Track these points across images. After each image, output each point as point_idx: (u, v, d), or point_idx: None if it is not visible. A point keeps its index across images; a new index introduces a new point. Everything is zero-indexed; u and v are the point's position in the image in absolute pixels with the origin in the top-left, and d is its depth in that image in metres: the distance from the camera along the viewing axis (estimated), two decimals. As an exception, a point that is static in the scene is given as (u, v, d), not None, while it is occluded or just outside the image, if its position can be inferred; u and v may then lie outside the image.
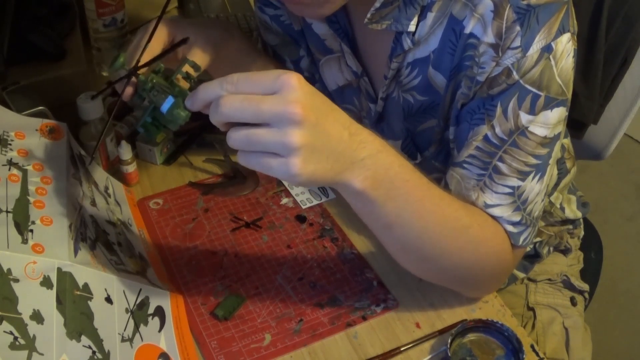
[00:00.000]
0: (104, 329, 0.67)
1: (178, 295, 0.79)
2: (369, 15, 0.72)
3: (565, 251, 1.08)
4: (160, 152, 1.00)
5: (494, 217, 0.74)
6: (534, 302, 1.03)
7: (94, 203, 0.81)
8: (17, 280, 0.63)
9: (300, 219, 0.91)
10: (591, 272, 1.13)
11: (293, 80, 0.55)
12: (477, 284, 0.79)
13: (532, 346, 0.76)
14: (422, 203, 0.66)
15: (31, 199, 0.72)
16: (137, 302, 0.73)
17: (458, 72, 0.73)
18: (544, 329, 1.00)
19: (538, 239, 1.04)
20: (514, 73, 0.68)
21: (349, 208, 0.67)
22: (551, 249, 1.06)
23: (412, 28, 0.73)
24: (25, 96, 0.93)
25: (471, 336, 0.75)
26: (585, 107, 1.07)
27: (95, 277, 0.69)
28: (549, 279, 1.05)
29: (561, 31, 0.68)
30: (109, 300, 0.70)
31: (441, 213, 0.69)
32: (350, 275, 0.84)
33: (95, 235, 0.76)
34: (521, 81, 0.69)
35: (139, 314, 0.72)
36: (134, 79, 0.69)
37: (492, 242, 0.74)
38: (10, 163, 0.75)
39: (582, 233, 1.12)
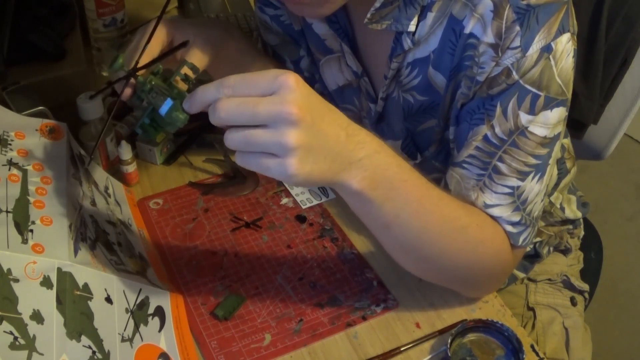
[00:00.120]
0: (104, 329, 0.67)
1: (178, 295, 0.79)
2: (369, 15, 0.73)
3: (565, 251, 1.08)
4: (160, 152, 1.00)
5: (493, 217, 0.74)
6: (534, 302, 1.03)
7: (94, 203, 0.81)
8: (17, 280, 0.63)
9: (300, 219, 0.91)
10: (591, 272, 1.13)
11: (290, 81, 0.55)
12: (477, 284, 0.79)
13: (532, 346, 0.76)
14: (420, 203, 0.67)
15: (31, 199, 0.72)
16: (137, 302, 0.73)
17: (458, 72, 0.73)
18: (544, 329, 1.00)
19: (538, 239, 1.04)
20: (514, 73, 0.68)
21: (349, 208, 0.67)
22: (551, 249, 1.06)
23: (412, 28, 0.73)
24: (25, 96, 0.93)
25: (471, 336, 0.75)
26: (585, 107, 1.07)
27: (95, 277, 0.69)
28: (549, 279, 1.05)
29: (561, 31, 0.68)
30: (109, 300, 0.70)
31: (440, 213, 0.69)
32: (350, 275, 0.84)
33: (95, 235, 0.76)
34: (521, 81, 0.69)
35: (139, 314, 0.72)
36: (132, 80, 0.69)
37: (491, 242, 0.74)
38: (10, 163, 0.75)
39: (582, 233, 1.12)
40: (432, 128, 0.81)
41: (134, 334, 0.70)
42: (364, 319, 0.78)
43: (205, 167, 1.00)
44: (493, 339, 0.75)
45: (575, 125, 1.10)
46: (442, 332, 0.77)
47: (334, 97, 0.92)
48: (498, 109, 0.70)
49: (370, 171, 0.61)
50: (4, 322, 0.60)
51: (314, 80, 0.94)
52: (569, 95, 0.72)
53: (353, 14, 0.81)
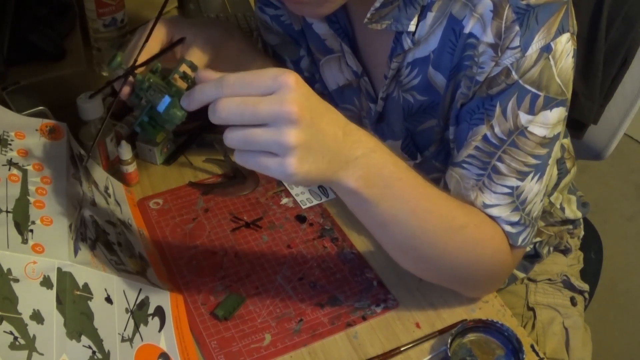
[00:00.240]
0: (104, 329, 0.67)
1: (178, 295, 0.79)
2: (368, 15, 0.73)
3: (565, 251, 1.08)
4: (160, 152, 1.00)
5: (492, 217, 0.74)
6: (534, 302, 1.03)
7: (94, 203, 0.81)
8: (17, 280, 0.63)
9: (300, 219, 0.91)
10: (591, 272, 1.13)
11: (291, 80, 0.55)
12: (476, 284, 0.79)
13: (532, 346, 0.76)
14: (416, 202, 0.67)
15: (31, 199, 0.72)
16: (137, 302, 0.73)
17: (458, 71, 0.73)
18: (544, 329, 1.00)
19: (538, 239, 1.04)
20: (513, 73, 0.68)
21: (348, 208, 0.67)
22: (551, 249, 1.06)
23: (412, 28, 0.74)
24: (25, 96, 0.93)
25: (471, 336, 0.75)
26: (585, 107, 1.07)
27: (95, 277, 0.69)
28: (549, 279, 1.05)
29: (560, 31, 0.68)
30: (109, 300, 0.70)
31: (437, 212, 0.69)
32: (350, 275, 0.84)
33: (95, 235, 0.76)
34: (520, 81, 0.69)
35: (139, 314, 0.72)
36: (131, 78, 0.69)
37: (489, 242, 0.74)
38: (10, 163, 0.75)
39: (582, 233, 1.12)
40: (432, 128, 0.81)
41: (134, 334, 0.70)
42: (364, 319, 0.78)
43: (205, 167, 1.00)
44: (493, 339, 0.75)
45: (575, 125, 1.10)
46: (442, 332, 0.77)
47: (334, 97, 0.92)
48: (497, 109, 0.70)
49: (366, 170, 0.61)
50: (4, 322, 0.60)
51: (314, 80, 0.94)
52: (569, 95, 0.72)
53: (353, 14, 0.81)
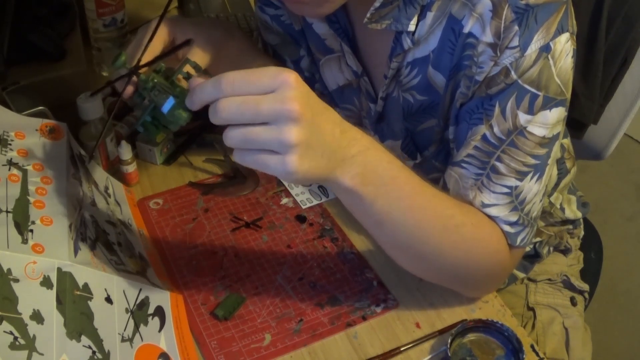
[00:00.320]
0: (104, 329, 0.67)
1: (178, 295, 0.79)
2: (368, 15, 0.73)
3: (565, 251, 1.08)
4: (160, 152, 1.00)
5: (490, 217, 0.74)
6: (534, 302, 1.03)
7: (94, 203, 0.81)
8: (17, 280, 0.63)
9: (300, 219, 0.91)
10: (591, 272, 1.13)
11: (291, 79, 0.55)
12: (475, 283, 0.79)
13: (532, 346, 0.76)
14: (412, 200, 0.67)
15: (31, 199, 0.72)
16: (137, 302, 0.73)
17: (457, 71, 0.73)
18: (544, 329, 1.00)
19: (538, 239, 1.04)
20: (512, 73, 0.68)
21: (348, 207, 0.67)
22: (551, 249, 1.06)
23: (412, 28, 0.74)
24: (25, 96, 0.93)
25: (471, 336, 0.75)
26: (585, 107, 1.07)
27: (95, 277, 0.69)
28: (549, 279, 1.05)
29: (560, 31, 0.68)
30: (109, 300, 0.70)
31: (433, 210, 0.69)
32: (350, 275, 0.84)
33: (95, 235, 0.76)
34: (519, 81, 0.69)
35: (139, 314, 0.72)
36: (134, 78, 0.69)
37: (487, 242, 0.74)
38: (10, 163, 0.75)
39: (582, 233, 1.12)
40: (432, 128, 0.81)
41: (134, 334, 0.70)
42: (364, 319, 0.78)
43: (205, 167, 1.00)
44: (493, 339, 0.75)
45: (575, 125, 1.10)
46: (442, 332, 0.77)
47: (334, 97, 0.92)
48: (497, 109, 0.70)
49: (361, 168, 0.62)
50: (4, 322, 0.60)
51: (314, 80, 0.94)
52: (568, 95, 0.72)
53: (353, 14, 0.81)
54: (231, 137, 0.57)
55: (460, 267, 0.74)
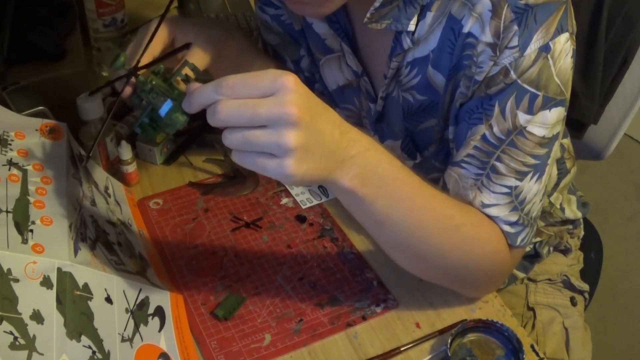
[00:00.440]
0: (104, 329, 0.67)
1: (178, 295, 0.79)
2: (368, 15, 0.73)
3: (565, 251, 1.08)
4: (160, 152, 1.00)
5: (490, 217, 0.74)
6: (534, 302, 1.03)
7: (94, 203, 0.81)
8: (17, 280, 0.63)
9: (300, 219, 0.91)
10: (591, 272, 1.13)
11: (289, 82, 0.55)
12: (475, 283, 0.79)
13: (532, 346, 0.76)
14: (412, 200, 0.67)
15: (31, 199, 0.72)
16: (137, 302, 0.73)
17: (457, 71, 0.73)
18: (544, 329, 1.00)
19: (538, 239, 1.04)
20: (512, 72, 0.68)
21: (348, 207, 0.67)
22: (551, 249, 1.06)
23: (411, 27, 0.74)
24: (25, 96, 0.93)
25: (471, 336, 0.75)
26: (585, 107, 1.07)
27: (95, 277, 0.69)
28: (549, 279, 1.05)
29: (559, 31, 0.68)
30: (109, 300, 0.70)
31: (433, 211, 0.69)
32: (350, 275, 0.84)
33: (95, 235, 0.76)
34: (519, 81, 0.69)
35: (139, 314, 0.72)
36: (133, 79, 0.69)
37: (487, 242, 0.74)
38: (10, 163, 0.75)
39: (582, 233, 1.12)
40: (432, 128, 0.81)
41: (134, 334, 0.70)
42: (364, 319, 0.78)
43: (205, 167, 1.00)
44: (493, 339, 0.75)
45: (575, 125, 1.10)
46: (442, 332, 0.77)
47: (334, 96, 0.92)
48: (496, 109, 0.70)
49: (361, 169, 0.62)
50: (4, 322, 0.60)
51: (314, 80, 0.94)
52: (568, 95, 0.72)
53: (353, 14, 0.81)
54: (230, 139, 0.57)
55: (460, 267, 0.74)
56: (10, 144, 0.78)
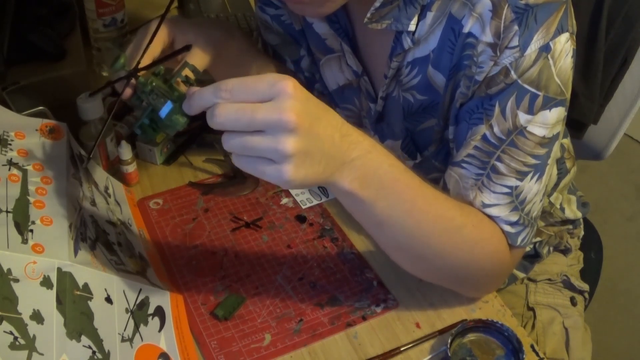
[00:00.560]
0: (104, 329, 0.67)
1: (178, 295, 0.79)
2: (369, 15, 0.73)
3: (565, 251, 1.08)
4: (160, 152, 1.00)
5: (491, 217, 0.74)
6: (534, 302, 1.03)
7: (93, 203, 0.81)
8: (17, 280, 0.63)
9: (300, 219, 0.91)
10: (591, 272, 1.13)
11: (289, 88, 0.55)
12: (475, 284, 0.79)
13: (532, 346, 0.76)
14: (413, 202, 0.67)
15: (31, 199, 0.72)
16: (137, 302, 0.73)
17: (457, 71, 0.73)
18: (544, 329, 1.00)
19: (538, 239, 1.04)
20: (512, 72, 0.68)
21: (348, 208, 0.67)
22: (551, 249, 1.06)
23: (412, 27, 0.74)
24: (25, 96, 0.93)
25: (471, 336, 0.75)
26: (585, 107, 1.07)
27: (95, 277, 0.69)
28: (549, 279, 1.05)
29: (560, 31, 0.68)
30: (109, 300, 0.70)
31: (434, 212, 0.69)
32: (350, 275, 0.84)
33: (95, 235, 0.76)
34: (519, 81, 0.69)
35: (139, 314, 0.72)
36: (133, 80, 0.69)
37: (488, 243, 0.74)
38: (10, 163, 0.75)
39: (582, 233, 1.12)
40: (432, 127, 0.81)
41: (134, 334, 0.70)
42: (364, 319, 0.78)
43: (205, 167, 1.00)
44: (493, 339, 0.75)
45: (575, 125, 1.10)
46: (442, 332, 0.77)
47: (334, 96, 0.92)
48: (496, 109, 0.70)
49: (361, 171, 0.62)
50: (4, 322, 0.60)
51: (314, 80, 0.94)
52: (568, 95, 0.72)
53: (353, 14, 0.81)
54: (229, 143, 0.57)
55: (460, 267, 0.74)
56: (10, 144, 0.78)
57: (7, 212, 0.69)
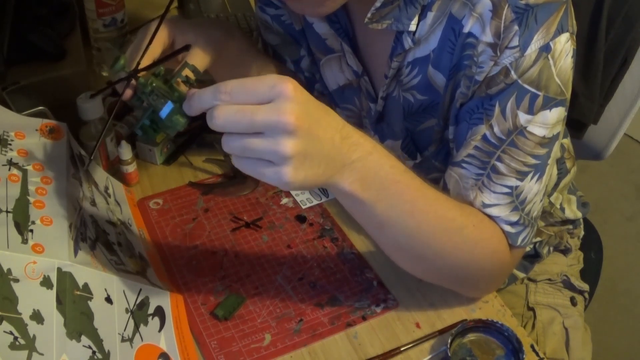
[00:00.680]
0: (104, 329, 0.67)
1: (178, 295, 0.79)
2: (369, 15, 0.73)
3: (565, 251, 1.08)
4: (160, 152, 1.00)
5: (491, 217, 0.74)
6: (534, 302, 1.03)
7: (93, 203, 0.81)
8: (17, 280, 0.63)
9: (300, 219, 0.91)
10: (591, 272, 1.13)
11: (288, 89, 0.55)
12: (476, 284, 0.79)
13: (532, 346, 0.76)
14: (413, 203, 0.67)
15: (31, 199, 0.72)
16: (137, 302, 0.73)
17: (457, 71, 0.73)
18: (544, 329, 1.00)
19: (538, 239, 1.04)
20: (512, 72, 0.68)
21: (348, 208, 0.67)
22: (551, 249, 1.06)
23: (412, 27, 0.74)
24: (25, 96, 0.93)
25: (471, 336, 0.75)
26: (585, 107, 1.07)
27: (95, 277, 0.69)
28: (549, 279, 1.05)
29: (560, 31, 0.68)
30: (109, 300, 0.70)
31: (434, 213, 0.69)
32: (350, 275, 0.84)
33: (95, 235, 0.76)
34: (519, 81, 0.69)
35: (139, 314, 0.72)
36: (133, 81, 0.69)
37: (488, 243, 0.74)
38: (10, 163, 0.75)
39: (582, 233, 1.12)
40: (432, 127, 0.81)
41: (134, 334, 0.70)
42: (364, 319, 0.78)
43: (205, 167, 1.00)
44: (493, 339, 0.75)
45: (575, 125, 1.10)
46: (442, 332, 0.77)
47: (334, 96, 0.92)
48: (497, 109, 0.70)
49: (362, 173, 0.62)
50: (4, 322, 0.60)
51: (314, 80, 0.94)
52: (568, 95, 0.72)
53: (354, 14, 0.81)
54: (229, 145, 0.57)
55: (461, 268, 0.74)
56: (10, 144, 0.78)
57: (7, 212, 0.69)
